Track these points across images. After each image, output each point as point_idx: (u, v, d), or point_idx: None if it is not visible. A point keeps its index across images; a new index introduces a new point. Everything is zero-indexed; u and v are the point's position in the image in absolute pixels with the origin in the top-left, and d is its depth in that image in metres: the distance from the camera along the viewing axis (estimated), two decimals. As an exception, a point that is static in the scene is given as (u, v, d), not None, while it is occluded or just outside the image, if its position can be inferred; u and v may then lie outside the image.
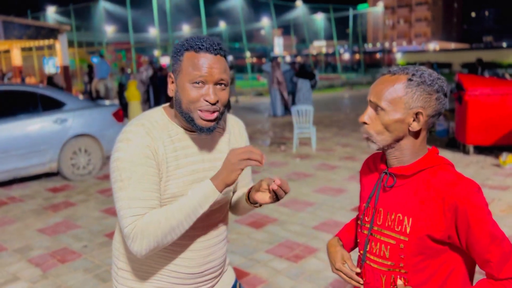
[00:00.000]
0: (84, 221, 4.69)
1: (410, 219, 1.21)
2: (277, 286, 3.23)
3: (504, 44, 63.74)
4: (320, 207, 4.90)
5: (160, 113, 1.40)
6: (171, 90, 1.35)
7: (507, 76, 13.35)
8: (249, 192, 1.45)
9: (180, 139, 1.37)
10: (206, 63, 1.28)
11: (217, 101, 1.31)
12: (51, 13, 31.90)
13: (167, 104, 1.44)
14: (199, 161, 1.39)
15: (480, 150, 7.27)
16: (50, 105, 6.19)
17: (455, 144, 7.75)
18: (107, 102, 8.69)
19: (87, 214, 4.91)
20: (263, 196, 1.36)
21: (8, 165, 5.77)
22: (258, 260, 3.64)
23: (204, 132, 1.33)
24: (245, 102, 18.60)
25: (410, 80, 1.19)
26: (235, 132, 1.54)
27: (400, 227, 1.22)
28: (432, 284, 1.23)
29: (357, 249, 1.49)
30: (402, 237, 1.22)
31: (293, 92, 13.13)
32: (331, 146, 8.45)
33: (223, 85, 1.32)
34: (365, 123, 1.25)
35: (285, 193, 1.32)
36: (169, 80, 1.36)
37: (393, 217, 1.24)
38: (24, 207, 5.22)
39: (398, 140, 1.23)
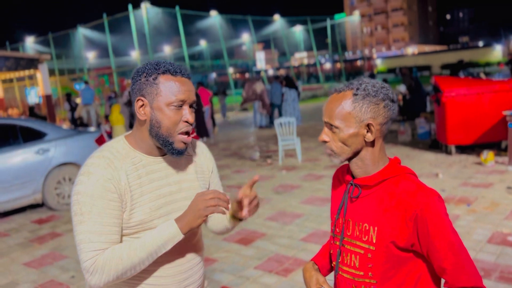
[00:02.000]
0: (71, 251, 4.64)
1: (376, 228, 1.24)
2: (268, 301, 3.22)
3: (480, 43, 65.15)
4: (308, 218, 4.91)
5: (122, 142, 1.41)
6: (142, 113, 1.36)
7: (482, 75, 13.66)
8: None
9: (144, 165, 1.39)
10: (185, 86, 1.34)
11: (193, 122, 1.37)
12: (30, 43, 31.80)
13: (129, 132, 1.46)
14: (165, 184, 1.41)
15: (462, 149, 7.39)
16: (31, 136, 6.15)
17: (437, 145, 7.86)
18: (91, 128, 8.66)
19: (74, 244, 4.83)
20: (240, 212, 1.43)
21: (-9, 200, 5.68)
22: (247, 277, 3.63)
23: (176, 155, 1.36)
24: (230, 118, 18.64)
25: (355, 95, 1.25)
26: (198, 153, 1.57)
27: (367, 236, 1.26)
28: None
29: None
30: (369, 247, 1.25)
31: (279, 105, 13.26)
32: (316, 156, 8.51)
33: (193, 107, 1.38)
34: (324, 141, 1.31)
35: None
36: (139, 104, 1.35)
37: (360, 227, 1.28)
38: (9, 242, 5.14)
39: (357, 152, 1.29)
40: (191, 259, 1.47)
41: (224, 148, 10.38)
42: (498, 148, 7.14)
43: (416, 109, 11.15)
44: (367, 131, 1.26)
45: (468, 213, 4.55)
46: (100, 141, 6.64)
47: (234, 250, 4.20)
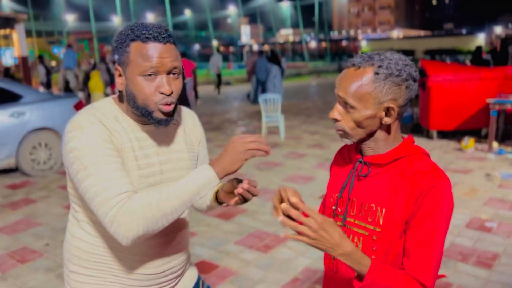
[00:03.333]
0: (46, 218, 4.50)
1: (384, 210, 1.16)
2: (247, 277, 3.20)
3: (464, 31, 65.74)
4: (289, 196, 4.89)
5: (110, 103, 1.30)
6: (119, 83, 1.24)
7: (468, 62, 13.75)
8: (216, 191, 1.41)
9: (134, 130, 1.28)
10: (156, 52, 1.19)
11: (172, 92, 1.22)
12: (7, 1, 30.41)
13: (117, 95, 1.34)
14: (153, 153, 1.31)
15: (443, 135, 7.47)
16: (6, 98, 5.88)
17: (419, 129, 7.92)
18: (80, 94, 8.36)
19: (49, 211, 4.71)
20: (230, 197, 1.34)
21: (-39, 162, 5.45)
22: (227, 252, 3.59)
23: (162, 125, 1.25)
24: (212, 91, 18.41)
25: (376, 73, 1.13)
26: (188, 123, 1.46)
27: (373, 217, 1.18)
28: None
29: None
30: (374, 228, 1.18)
31: (264, 82, 13.06)
32: (299, 134, 8.47)
33: (176, 74, 1.24)
34: (335, 119, 1.19)
35: (253, 195, 1.28)
36: (116, 73, 1.24)
37: (366, 207, 1.20)
38: (-20, 206, 4.96)
39: (372, 133, 1.19)
40: (177, 231, 1.39)
41: (207, 122, 10.24)
42: (478, 135, 7.24)
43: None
44: (385, 114, 1.15)
45: (448, 197, 4.61)
46: (78, 107, 6.42)
47: (215, 225, 4.16)
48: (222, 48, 52.39)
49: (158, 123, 1.24)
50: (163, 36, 1.20)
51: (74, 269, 1.34)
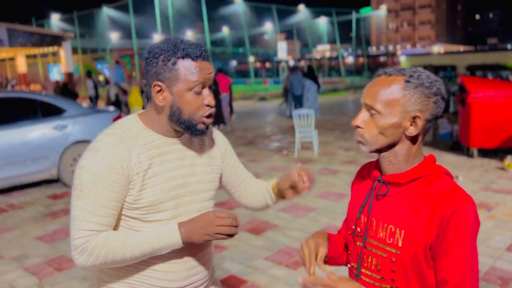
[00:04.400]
0: (83, 228, 4.65)
1: (403, 232, 1.13)
2: (276, 294, 3.17)
3: (509, 46, 63.42)
4: (321, 213, 4.83)
5: (134, 120, 1.35)
6: (160, 99, 1.29)
7: (511, 78, 13.23)
8: (275, 185, 1.56)
9: (157, 145, 1.33)
10: (205, 70, 1.28)
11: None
12: (55, 21, 32.13)
13: (142, 111, 1.39)
14: (177, 167, 1.35)
15: (484, 153, 7.18)
16: (50, 112, 6.18)
17: (459, 147, 7.65)
18: (111, 108, 8.67)
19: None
20: (288, 192, 1.50)
21: (8, 172, 5.75)
22: (256, 267, 3.57)
23: (199, 135, 1.33)
24: (248, 106, 18.57)
25: (407, 81, 1.12)
26: (211, 137, 1.51)
27: (392, 239, 1.15)
28: None
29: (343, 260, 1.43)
30: (393, 250, 1.14)
31: (300, 96, 13.10)
32: (333, 150, 8.38)
33: (211, 89, 1.34)
34: (358, 126, 1.18)
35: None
36: (155, 89, 1.28)
37: (385, 228, 1.17)
38: (23, 215, 5.19)
39: (393, 145, 1.16)
40: (200, 246, 1.40)
41: (241, 136, 10.33)
42: (522, 154, 6.91)
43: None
44: (411, 124, 1.13)
45: (488, 219, 4.41)
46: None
47: (245, 239, 4.15)
48: (258, 64, 52.91)
49: (199, 134, 1.32)
50: (207, 54, 1.31)
51: (103, 278, 1.39)
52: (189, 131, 1.31)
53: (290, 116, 13.21)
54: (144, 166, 1.28)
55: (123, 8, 27.49)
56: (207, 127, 1.33)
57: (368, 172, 1.32)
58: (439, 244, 1.08)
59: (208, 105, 1.30)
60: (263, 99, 22.47)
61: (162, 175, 1.31)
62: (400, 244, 1.13)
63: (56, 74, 20.33)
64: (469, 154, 7.17)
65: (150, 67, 1.28)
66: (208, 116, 1.31)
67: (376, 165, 1.28)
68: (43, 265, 3.79)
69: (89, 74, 17.52)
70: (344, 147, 8.60)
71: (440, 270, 1.09)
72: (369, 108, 1.16)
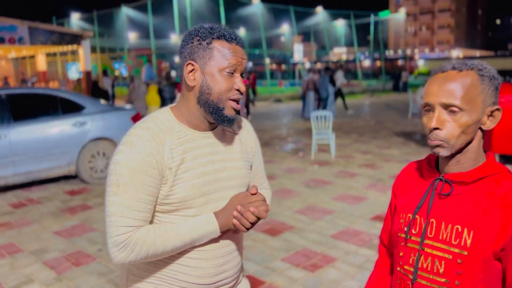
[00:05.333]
0: (100, 224, 4.68)
1: (472, 232, 1.08)
2: (293, 296, 3.12)
3: (530, 52, 62.17)
4: (339, 215, 4.77)
5: (167, 114, 1.32)
6: (192, 79, 1.27)
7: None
8: None
9: (189, 139, 1.30)
10: (239, 53, 1.28)
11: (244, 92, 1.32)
12: (75, 20, 32.58)
13: (175, 104, 1.37)
14: (209, 162, 1.32)
15: (506, 159, 7.02)
16: (70, 108, 6.25)
17: (479, 152, 7.50)
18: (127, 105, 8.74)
19: (103, 218, 4.89)
20: None
21: (27, 167, 5.83)
22: (274, 269, 3.54)
23: (230, 123, 1.30)
24: (264, 108, 18.54)
25: (481, 75, 1.09)
26: (243, 132, 1.48)
27: (458, 240, 1.10)
28: None
29: (365, 259, 1.38)
30: (461, 251, 1.09)
31: (327, 98, 13.14)
32: (350, 153, 8.30)
33: (243, 77, 1.32)
34: (437, 128, 1.11)
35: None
36: (188, 69, 1.27)
37: (449, 228, 1.12)
38: (42, 209, 5.25)
39: (469, 142, 1.12)
40: (229, 244, 1.38)
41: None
42: (546, 161, 6.74)
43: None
44: (488, 118, 1.11)
45: None
46: (136, 119, 6.68)
47: (261, 240, 4.12)
48: (274, 66, 52.86)
49: (226, 121, 1.29)
50: (242, 41, 1.31)
51: (133, 271, 1.37)
52: (216, 116, 1.28)
53: (307, 118, 13.18)
54: (177, 161, 1.26)
55: (142, 8, 27.71)
56: (234, 116, 1.30)
57: (420, 170, 1.26)
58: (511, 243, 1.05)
59: (238, 90, 1.28)
60: (278, 100, 22.42)
61: (194, 170, 1.28)
62: (468, 245, 1.08)
63: (75, 72, 20.59)
64: (491, 160, 7.02)
65: (185, 49, 1.28)
66: (237, 101, 1.30)
67: (431, 164, 1.23)
68: (61, 259, 3.81)
69: (105, 72, 17.72)
70: (361, 150, 8.51)
71: None
72: (448, 106, 1.09)
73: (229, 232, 1.36)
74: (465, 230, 1.09)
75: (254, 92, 18.78)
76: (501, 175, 1.12)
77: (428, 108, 1.13)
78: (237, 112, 1.32)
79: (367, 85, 31.20)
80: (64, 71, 23.35)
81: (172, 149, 1.26)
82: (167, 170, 1.25)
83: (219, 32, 1.27)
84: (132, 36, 33.85)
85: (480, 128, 1.13)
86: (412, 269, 1.18)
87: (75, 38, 16.87)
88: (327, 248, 3.90)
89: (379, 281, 1.40)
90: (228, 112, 1.28)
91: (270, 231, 4.35)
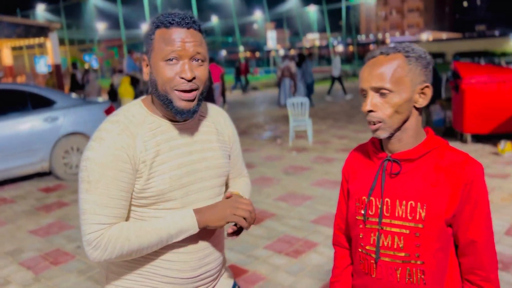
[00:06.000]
0: (77, 221, 4.56)
1: (424, 205, 1.16)
2: (277, 282, 3.14)
3: (497, 33, 63.86)
4: (318, 201, 4.81)
5: (138, 106, 1.28)
6: (145, 73, 1.24)
7: (503, 64, 13.31)
8: None
9: (163, 131, 1.26)
10: (179, 37, 1.17)
11: (194, 78, 1.19)
12: (41, 11, 31.52)
13: (146, 96, 1.32)
14: (186, 153, 1.28)
15: (478, 138, 7.21)
16: (40, 104, 6.05)
17: (452, 133, 7.68)
18: (100, 98, 8.55)
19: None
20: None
21: (-2, 165, 5.63)
22: (257, 257, 3.55)
23: (185, 115, 1.22)
24: (240, 96, 18.46)
25: (407, 56, 1.16)
26: (220, 121, 1.43)
27: (413, 214, 1.17)
28: (451, 276, 1.20)
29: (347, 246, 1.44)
30: (417, 225, 1.16)
31: (311, 84, 13.38)
32: (327, 138, 8.37)
33: (199, 61, 1.21)
34: (371, 111, 1.17)
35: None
36: (143, 64, 1.25)
37: (403, 205, 1.18)
38: (15, 208, 5.10)
39: (405, 121, 1.19)
40: (211, 236, 1.35)
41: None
42: (515, 139, 6.95)
43: (432, 96, 10.90)
44: (420, 95, 1.17)
45: (485, 203, 4.42)
46: (109, 112, 6.53)
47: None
48: (248, 54, 52.62)
49: (181, 114, 1.21)
50: (186, 21, 1.19)
51: (112, 268, 1.33)
52: (169, 109, 1.22)
53: (283, 105, 13.20)
54: (151, 154, 1.22)
55: (111, -2, 27.10)
56: (189, 106, 1.21)
57: (366, 154, 1.31)
58: (461, 209, 1.15)
59: (183, 78, 1.18)
60: (254, 88, 22.35)
61: (170, 162, 1.24)
62: (423, 218, 1.16)
63: (43, 66, 19.96)
64: (463, 140, 7.19)
65: (144, 43, 1.25)
66: (184, 91, 1.19)
67: (376, 145, 1.28)
68: (38, 259, 3.72)
69: (74, 65, 17.23)
70: (337, 135, 8.59)
71: (467, 232, 1.17)
72: (378, 89, 1.16)
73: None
74: (418, 204, 1.16)
75: (247, 81, 19.19)
76: (442, 148, 1.20)
77: (364, 93, 1.19)
78: (194, 99, 1.23)
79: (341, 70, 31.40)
80: (32, 65, 22.62)
81: (145, 141, 1.22)
82: (141, 164, 1.21)
83: (158, 20, 1.21)
84: (101, 27, 33.01)
85: (415, 107, 1.19)
86: (374, 249, 1.23)
87: (42, 31, 16.31)
88: (308, 234, 3.93)
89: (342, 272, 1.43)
90: (178, 104, 1.20)
91: (251, 219, 4.35)
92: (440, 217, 1.15)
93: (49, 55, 17.19)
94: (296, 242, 3.77)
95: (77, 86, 14.31)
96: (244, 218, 1.24)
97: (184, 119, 1.26)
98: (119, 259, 1.20)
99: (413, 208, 1.17)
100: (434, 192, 1.15)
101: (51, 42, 16.61)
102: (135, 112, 1.26)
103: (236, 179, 1.55)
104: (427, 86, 1.17)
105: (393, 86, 1.14)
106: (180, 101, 1.20)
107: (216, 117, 1.42)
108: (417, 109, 1.19)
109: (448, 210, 1.14)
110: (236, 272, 3.30)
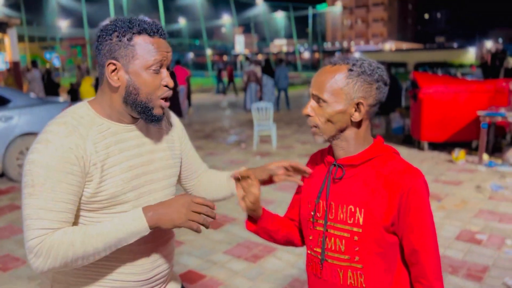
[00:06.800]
0: (31, 225, 4.40)
1: (362, 210, 1.19)
2: (235, 287, 3.13)
3: (455, 45, 66.66)
4: (280, 205, 4.84)
5: (85, 108, 1.24)
6: (115, 79, 1.19)
7: (459, 75, 13.90)
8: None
9: (113, 133, 1.24)
10: (164, 46, 1.21)
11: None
12: (-1, 6, 30.28)
13: (92, 98, 1.29)
14: (136, 155, 1.26)
15: (434, 146, 7.49)
16: (-7, 102, 5.80)
17: (410, 140, 7.93)
18: (60, 98, 8.28)
19: (34, 218, 4.61)
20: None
21: None
22: (215, 262, 3.52)
23: (155, 122, 1.25)
24: (206, 100, 18.37)
25: (350, 70, 1.18)
26: (167, 121, 1.44)
27: (352, 219, 1.21)
28: (398, 283, 1.23)
29: (304, 248, 1.45)
30: (355, 229, 1.20)
31: (285, 89, 13.67)
32: (291, 143, 8.45)
33: (169, 70, 1.26)
34: (309, 115, 1.23)
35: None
36: (110, 68, 1.18)
37: (345, 209, 1.22)
38: (-37, 212, 4.85)
39: (342, 130, 1.22)
40: (164, 235, 1.34)
41: (198, 130, 10.19)
42: (469, 147, 7.26)
43: (392, 104, 11.22)
44: (355, 110, 1.19)
45: (438, 209, 4.59)
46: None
47: (203, 234, 4.09)
48: (216, 57, 52.49)
49: (155, 121, 1.24)
50: (164, 32, 1.23)
51: (56, 279, 1.27)
52: (145, 116, 1.22)
53: (249, 110, 13.26)
54: (102, 156, 1.19)
55: (74, -5, 26.37)
56: (163, 114, 1.26)
57: (321, 158, 1.36)
58: (402, 219, 1.17)
59: (166, 86, 1.23)
60: (220, 92, 22.28)
61: (121, 164, 1.22)
62: (361, 222, 1.19)
63: (1, 63, 19.17)
64: (420, 148, 7.45)
65: (103, 46, 1.19)
66: (166, 99, 1.25)
67: (329, 151, 1.33)
68: (-14, 265, 3.55)
69: (34, 63, 16.62)
70: (301, 140, 8.69)
71: (409, 243, 1.19)
72: (317, 97, 1.21)
73: (162, 234, 1.32)
74: (357, 209, 1.20)
75: (234, 84, 19.55)
76: (386, 156, 1.23)
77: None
78: (176, 103, 1.28)
79: (306, 77, 31.87)
80: (-12, 62, 21.64)
81: (95, 143, 1.19)
82: (91, 166, 1.17)
83: (139, 25, 1.18)
84: (64, 25, 32.04)
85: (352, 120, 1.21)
86: (319, 250, 1.27)
87: (0, 26, 15.67)
88: (268, 238, 3.95)
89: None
90: (157, 111, 1.24)
91: (212, 224, 4.32)
92: (377, 222, 1.17)
93: (7, 52, 16.53)
94: (255, 247, 3.78)
95: (54, 85, 13.93)
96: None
97: (136, 120, 1.27)
98: (64, 267, 1.13)
99: (352, 213, 1.20)
100: (373, 198, 1.18)
101: (9, 38, 15.96)
102: (83, 113, 1.22)
103: (207, 173, 1.57)
104: (360, 103, 1.18)
105: (328, 97, 1.18)
106: (159, 109, 1.23)
107: (165, 117, 1.42)
108: (357, 122, 1.21)
109: (386, 217, 1.17)
110: (193, 277, 3.26)
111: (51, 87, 13.94)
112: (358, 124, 1.21)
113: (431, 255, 1.20)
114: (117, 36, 1.18)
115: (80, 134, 1.17)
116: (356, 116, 1.19)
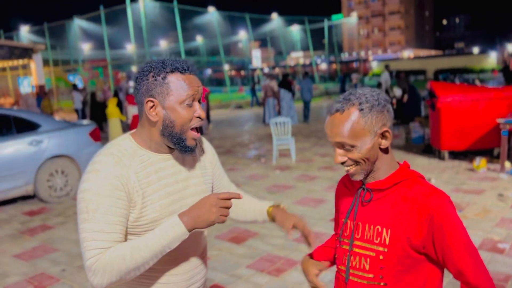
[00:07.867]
0: (62, 244, 4.61)
1: (389, 230, 1.26)
2: (259, 301, 3.22)
3: (475, 50, 65.63)
4: (300, 219, 4.91)
5: (128, 140, 1.40)
6: (153, 115, 1.33)
7: (477, 82, 13.75)
8: (270, 208, 1.60)
9: (152, 162, 1.38)
10: (195, 82, 1.35)
11: None
12: (25, 33, 31.46)
13: (133, 131, 1.44)
14: (173, 182, 1.40)
15: (455, 155, 7.45)
16: (25, 127, 6.09)
17: (430, 150, 7.91)
18: (85, 121, 8.59)
19: (65, 237, 4.82)
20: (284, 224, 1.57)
21: (-18, 190, 5.62)
22: (239, 276, 3.63)
23: (189, 152, 1.38)
24: (225, 115, 18.61)
25: (361, 110, 1.24)
26: (200, 148, 1.58)
27: (379, 238, 1.27)
28: None
29: (334, 266, 1.53)
30: (381, 249, 1.26)
31: (308, 102, 14.04)
32: (310, 156, 8.52)
33: (200, 102, 1.40)
34: (342, 163, 1.30)
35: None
36: (149, 105, 1.33)
37: (372, 229, 1.29)
38: (-1, 233, 5.10)
39: (375, 161, 1.30)
40: (198, 255, 1.48)
41: (218, 146, 10.37)
42: (490, 155, 7.20)
43: (411, 114, 11.20)
44: (382, 139, 1.27)
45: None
46: (94, 134, 6.60)
47: (226, 249, 4.20)
48: (234, 72, 52.97)
49: (189, 151, 1.38)
50: (194, 68, 1.38)
51: None
52: (179, 147, 1.36)
53: (268, 124, 13.40)
54: (143, 184, 1.33)
55: (95, 19, 27.16)
56: (196, 145, 1.38)
57: (350, 182, 1.44)
58: (438, 243, 1.21)
59: (198, 117, 1.36)
60: (239, 107, 22.55)
61: (160, 191, 1.36)
62: (387, 242, 1.26)
63: (27, 86, 19.88)
64: (441, 157, 7.42)
65: (141, 85, 1.34)
66: (197, 129, 1.37)
67: None
68: (23, 283, 3.74)
69: (75, 86, 17.27)
70: (320, 153, 8.75)
71: (452, 264, 1.22)
72: (341, 145, 1.27)
73: (197, 244, 1.46)
74: (384, 229, 1.27)
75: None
76: (412, 180, 1.30)
77: (333, 145, 1.32)
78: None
79: (324, 88, 31.91)
80: (16, 86, 22.47)
81: (137, 172, 1.33)
82: (135, 193, 1.31)
83: (171, 65, 1.33)
84: (86, 48, 33.04)
85: (381, 148, 1.29)
86: (345, 268, 1.35)
87: (26, 52, 16.31)
88: (290, 252, 4.03)
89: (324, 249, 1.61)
90: (190, 142, 1.37)
91: (235, 239, 4.44)
92: (403, 243, 1.23)
93: (33, 76, 17.16)
94: (278, 261, 3.87)
95: (98, 106, 14.84)
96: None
97: (172, 150, 1.42)
98: (120, 281, 1.26)
99: (379, 233, 1.27)
100: (400, 219, 1.24)
101: (35, 63, 16.60)
102: (127, 145, 1.38)
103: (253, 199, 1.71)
104: (387, 131, 1.26)
105: (353, 141, 1.24)
106: (192, 140, 1.37)
107: (198, 144, 1.56)
108: (385, 149, 1.29)
109: (414, 238, 1.22)
110: (219, 291, 3.37)
111: (97, 108, 14.52)
112: (386, 150, 1.29)
113: (477, 271, 1.22)
114: (153, 76, 1.33)
115: (124, 164, 1.32)
116: (385, 143, 1.26)
